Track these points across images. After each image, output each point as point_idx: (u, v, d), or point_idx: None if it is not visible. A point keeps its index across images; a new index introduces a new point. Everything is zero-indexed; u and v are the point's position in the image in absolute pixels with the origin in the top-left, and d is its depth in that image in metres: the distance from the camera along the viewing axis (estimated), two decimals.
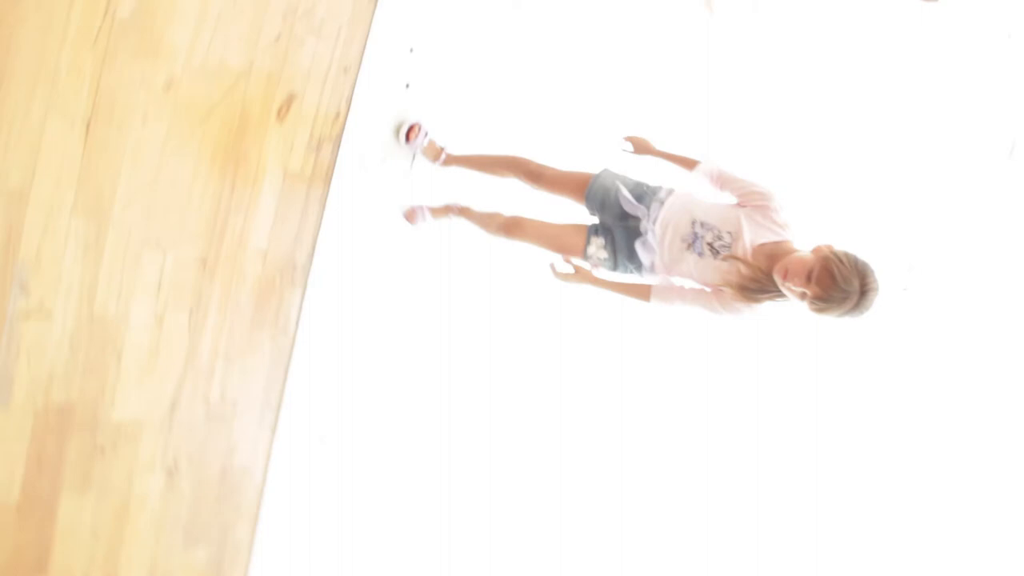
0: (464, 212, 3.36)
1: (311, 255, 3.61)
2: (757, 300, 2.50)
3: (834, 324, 2.40)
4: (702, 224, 2.55)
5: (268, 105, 3.28)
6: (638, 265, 2.77)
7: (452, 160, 3.41)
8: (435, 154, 3.41)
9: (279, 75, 3.30)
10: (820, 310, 2.30)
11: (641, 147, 2.86)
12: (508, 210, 3.12)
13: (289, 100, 3.33)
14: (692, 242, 2.57)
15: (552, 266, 2.91)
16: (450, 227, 3.43)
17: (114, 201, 2.83)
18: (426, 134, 3.42)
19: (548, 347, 4.16)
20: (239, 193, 3.33)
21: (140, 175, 2.90)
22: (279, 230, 3.54)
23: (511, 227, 3.08)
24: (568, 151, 3.49)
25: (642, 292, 2.76)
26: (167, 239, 3.09)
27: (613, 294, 2.82)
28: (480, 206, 3.30)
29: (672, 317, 3.05)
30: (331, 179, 3.60)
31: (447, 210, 3.37)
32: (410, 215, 3.39)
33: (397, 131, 3.52)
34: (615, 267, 2.85)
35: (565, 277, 2.89)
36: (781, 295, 2.50)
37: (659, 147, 2.81)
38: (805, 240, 2.52)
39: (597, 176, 2.87)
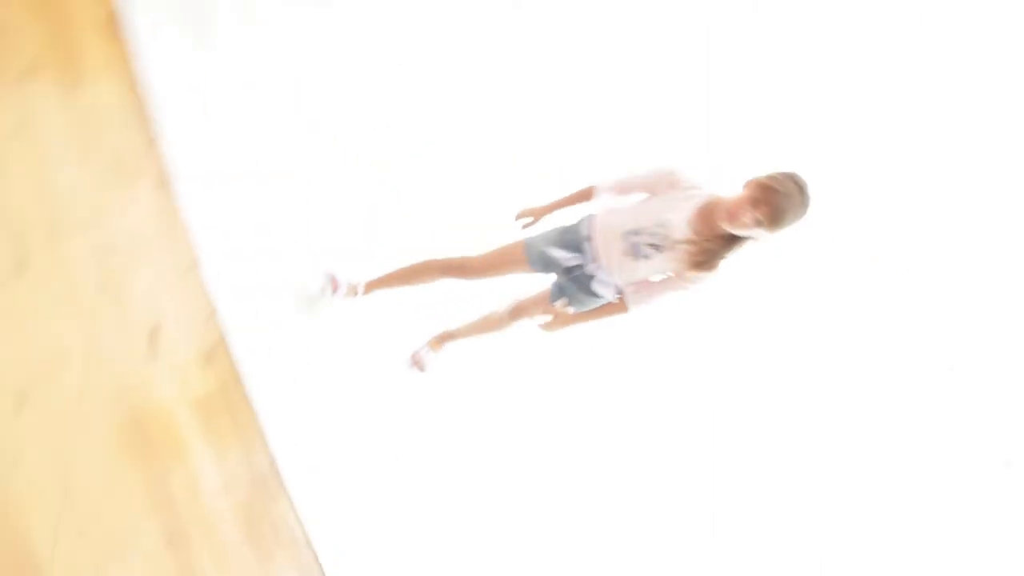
0: (461, 332, 3.30)
1: (272, 458, 3.29)
2: (715, 265, 2.64)
3: (791, 234, 2.52)
4: (633, 232, 2.67)
5: (135, 345, 2.91)
6: (606, 294, 2.94)
7: (373, 286, 3.31)
8: (353, 291, 3.29)
9: (126, 319, 2.98)
10: (777, 221, 2.42)
11: (536, 213, 2.99)
12: (501, 303, 3.12)
13: (155, 331, 3.00)
14: (635, 252, 2.70)
15: (540, 327, 3.10)
16: (454, 353, 3.30)
17: (38, 547, 2.46)
18: (338, 281, 3.29)
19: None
20: (161, 455, 2.99)
21: (50, 506, 2.53)
22: (224, 456, 3.21)
23: (517, 313, 3.05)
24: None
25: (619, 308, 2.94)
26: (120, 547, 2.73)
27: (598, 321, 2.99)
28: (467, 319, 3.25)
29: (657, 314, 3.05)
30: (241, 377, 3.28)
31: (443, 338, 3.29)
32: (417, 362, 3.26)
33: (310, 293, 3.34)
34: (586, 307, 3.02)
35: (551, 327, 3.04)
36: (735, 246, 2.62)
37: (550, 201, 2.94)
38: (721, 187, 2.67)
39: (528, 245, 2.98)
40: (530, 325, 3.13)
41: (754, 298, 5.53)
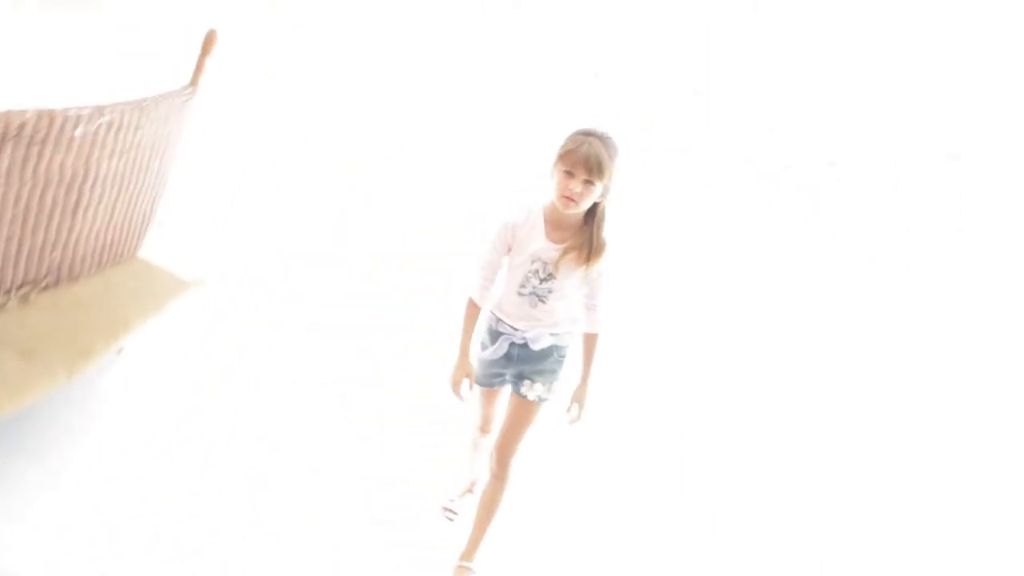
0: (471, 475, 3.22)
1: None
2: (600, 246, 2.59)
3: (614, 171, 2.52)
4: (521, 285, 2.65)
5: None
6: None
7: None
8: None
9: None
10: (595, 169, 2.44)
11: (461, 367, 2.77)
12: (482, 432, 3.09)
13: None
14: (537, 296, 2.64)
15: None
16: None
17: None
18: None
19: None
20: None
21: None
22: None
23: (486, 427, 3.05)
24: None
25: (590, 342, 2.76)
26: None
27: (587, 367, 2.78)
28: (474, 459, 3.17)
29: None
30: None
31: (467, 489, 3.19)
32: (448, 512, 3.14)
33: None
34: (557, 376, 2.79)
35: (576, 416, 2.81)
36: (596, 218, 2.57)
37: (460, 343, 2.77)
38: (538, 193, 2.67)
39: (479, 384, 2.84)
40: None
41: (756, 297, 5.58)
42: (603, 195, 2.51)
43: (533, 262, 2.59)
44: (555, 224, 2.57)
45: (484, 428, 3.02)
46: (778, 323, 4.96)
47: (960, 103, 6.33)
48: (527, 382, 2.72)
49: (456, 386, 2.74)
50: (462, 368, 2.73)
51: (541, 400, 2.74)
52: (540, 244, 2.58)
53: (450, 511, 3.02)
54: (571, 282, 2.61)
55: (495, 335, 2.73)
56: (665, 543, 3.02)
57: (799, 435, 3.75)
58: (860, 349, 4.69)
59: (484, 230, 2.76)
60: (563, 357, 2.75)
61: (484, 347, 2.76)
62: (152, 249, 3.49)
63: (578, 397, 2.75)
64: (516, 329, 2.68)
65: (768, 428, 3.80)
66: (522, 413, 2.76)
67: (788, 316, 5.08)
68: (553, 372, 2.73)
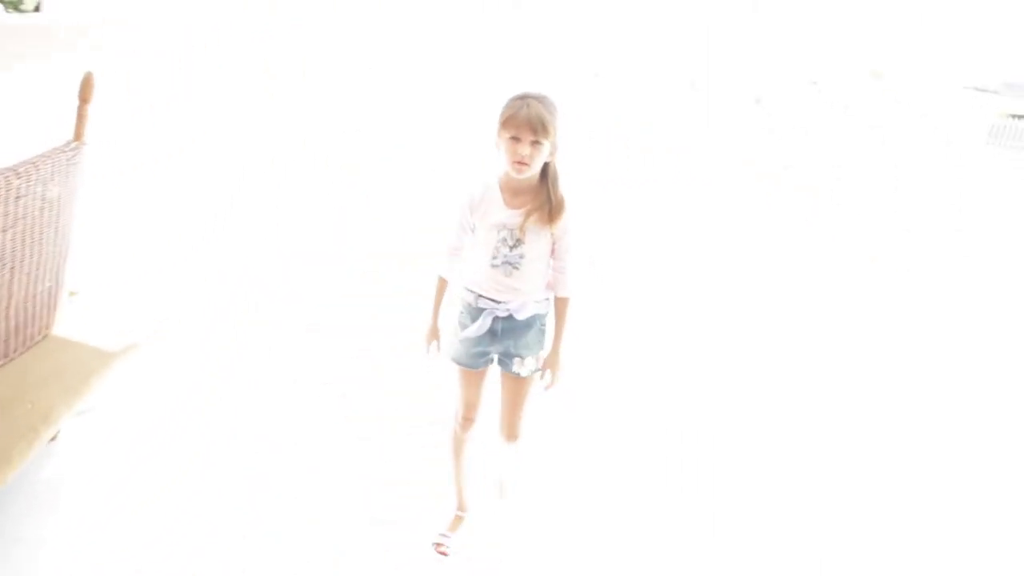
0: (459, 493, 3.20)
1: None
2: (559, 205, 2.63)
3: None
4: (492, 257, 2.68)
5: None
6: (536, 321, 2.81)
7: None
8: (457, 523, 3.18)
9: None
10: (539, 128, 2.48)
11: (430, 334, 2.89)
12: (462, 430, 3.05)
13: None
14: (510, 264, 2.67)
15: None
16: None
17: None
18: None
19: None
20: None
21: None
22: None
23: (467, 422, 2.96)
24: None
25: (560, 306, 2.79)
26: None
27: (559, 330, 2.80)
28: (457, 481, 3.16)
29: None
30: None
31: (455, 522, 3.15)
32: (440, 549, 3.10)
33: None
34: (542, 346, 2.82)
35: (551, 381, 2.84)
36: (549, 177, 2.63)
37: (431, 316, 2.88)
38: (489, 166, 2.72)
39: (456, 360, 2.85)
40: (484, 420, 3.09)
41: (757, 296, 5.59)
42: (552, 153, 2.57)
43: (499, 231, 2.64)
44: (512, 191, 2.63)
45: (467, 417, 2.97)
46: (779, 322, 4.96)
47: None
48: (517, 359, 2.77)
49: (426, 345, 2.84)
50: (432, 332, 2.84)
51: (532, 372, 2.79)
52: (502, 213, 2.63)
53: (441, 548, 2.93)
54: (540, 245, 2.65)
55: (476, 312, 2.74)
56: (666, 541, 3.02)
57: (799, 433, 3.76)
58: (860, 348, 4.70)
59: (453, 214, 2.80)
60: (544, 326, 2.80)
61: (464, 326, 2.77)
62: (69, 322, 3.21)
63: (551, 363, 2.79)
64: (498, 303, 2.71)
65: (769, 426, 3.80)
66: (518, 390, 2.82)
67: (789, 315, 5.08)
68: (539, 343, 2.78)
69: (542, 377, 2.82)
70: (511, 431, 2.89)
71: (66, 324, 3.08)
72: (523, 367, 2.77)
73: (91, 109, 2.84)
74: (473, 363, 2.81)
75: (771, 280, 5.77)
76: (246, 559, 2.64)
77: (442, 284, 2.86)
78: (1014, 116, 26.72)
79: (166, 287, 5.02)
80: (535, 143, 2.50)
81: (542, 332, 2.80)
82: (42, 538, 2.69)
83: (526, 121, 2.49)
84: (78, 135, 2.82)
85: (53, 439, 3.07)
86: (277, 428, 3.43)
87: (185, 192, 7.40)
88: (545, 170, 2.61)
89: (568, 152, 2.78)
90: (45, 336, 2.97)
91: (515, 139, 2.50)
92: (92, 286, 3.85)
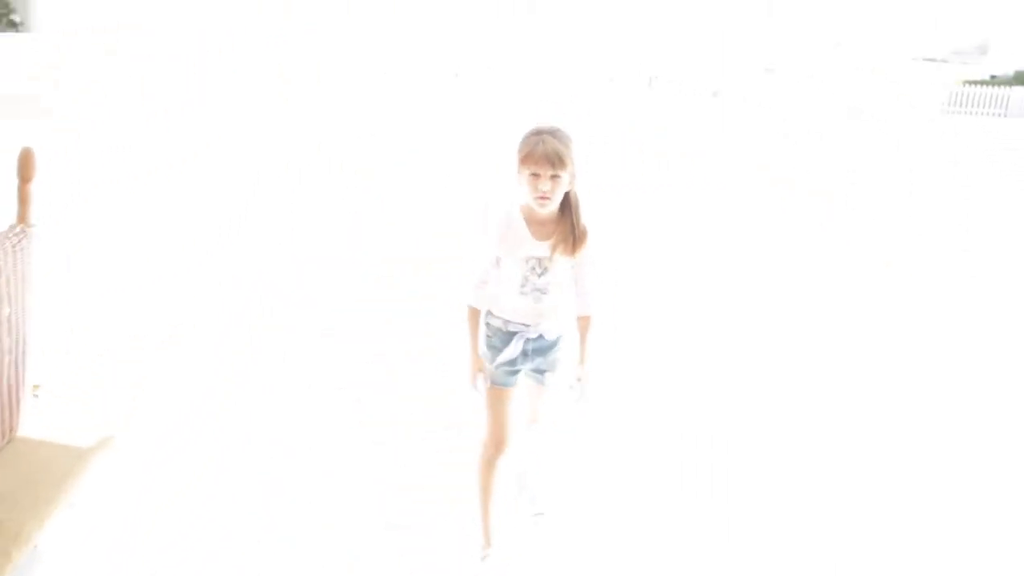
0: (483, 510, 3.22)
1: None
2: (583, 233, 2.73)
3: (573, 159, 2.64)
4: (520, 284, 2.77)
5: None
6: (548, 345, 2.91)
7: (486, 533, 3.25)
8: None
9: None
10: (556, 162, 2.58)
11: (475, 366, 2.96)
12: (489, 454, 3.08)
13: None
14: (539, 291, 2.77)
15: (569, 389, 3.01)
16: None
17: None
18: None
19: None
20: None
21: None
22: None
23: (499, 447, 2.99)
24: None
25: (584, 324, 2.91)
26: None
27: (583, 347, 2.93)
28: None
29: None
30: None
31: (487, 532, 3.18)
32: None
33: None
34: (561, 360, 2.95)
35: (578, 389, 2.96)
36: (571, 208, 2.72)
37: (470, 350, 2.94)
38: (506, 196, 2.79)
39: (494, 382, 2.92)
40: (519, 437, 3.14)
41: (771, 301, 5.56)
42: (571, 183, 2.66)
43: (527, 262, 2.73)
44: (538, 223, 2.71)
45: (500, 440, 3.01)
46: (793, 326, 4.94)
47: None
48: (547, 374, 2.90)
49: (473, 379, 2.91)
50: (475, 363, 2.90)
51: (558, 383, 2.93)
52: (529, 245, 2.72)
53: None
54: (564, 271, 2.76)
55: (507, 336, 2.84)
56: (675, 542, 3.01)
57: (814, 435, 3.75)
58: (875, 352, 4.68)
59: (469, 242, 2.89)
60: (563, 342, 2.91)
61: (496, 349, 2.86)
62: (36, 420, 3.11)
63: (580, 377, 2.91)
64: (528, 326, 2.82)
65: (783, 429, 3.79)
66: (542, 391, 2.97)
67: (803, 319, 5.06)
68: (561, 359, 2.91)
69: (572, 389, 2.92)
70: (534, 416, 3.04)
71: (33, 423, 2.76)
72: (550, 380, 2.91)
73: (35, 188, 2.51)
74: (506, 382, 2.90)
75: (786, 284, 5.75)
76: (261, 563, 2.64)
77: (474, 315, 2.93)
78: (968, 83, 27.02)
79: (181, 291, 5.05)
80: (554, 177, 2.60)
81: (562, 347, 2.90)
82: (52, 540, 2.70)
83: (544, 157, 2.58)
84: (22, 218, 2.54)
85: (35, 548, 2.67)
86: (291, 432, 3.43)
87: (200, 196, 7.43)
88: (567, 200, 2.70)
89: (584, 158, 2.81)
90: (10, 440, 2.68)
91: (535, 175, 2.59)
92: (57, 378, 3.89)
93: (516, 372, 2.93)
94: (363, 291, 5.07)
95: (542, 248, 2.73)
